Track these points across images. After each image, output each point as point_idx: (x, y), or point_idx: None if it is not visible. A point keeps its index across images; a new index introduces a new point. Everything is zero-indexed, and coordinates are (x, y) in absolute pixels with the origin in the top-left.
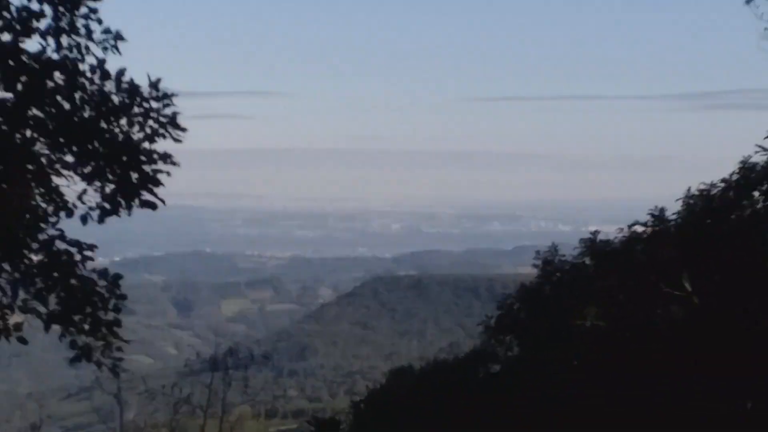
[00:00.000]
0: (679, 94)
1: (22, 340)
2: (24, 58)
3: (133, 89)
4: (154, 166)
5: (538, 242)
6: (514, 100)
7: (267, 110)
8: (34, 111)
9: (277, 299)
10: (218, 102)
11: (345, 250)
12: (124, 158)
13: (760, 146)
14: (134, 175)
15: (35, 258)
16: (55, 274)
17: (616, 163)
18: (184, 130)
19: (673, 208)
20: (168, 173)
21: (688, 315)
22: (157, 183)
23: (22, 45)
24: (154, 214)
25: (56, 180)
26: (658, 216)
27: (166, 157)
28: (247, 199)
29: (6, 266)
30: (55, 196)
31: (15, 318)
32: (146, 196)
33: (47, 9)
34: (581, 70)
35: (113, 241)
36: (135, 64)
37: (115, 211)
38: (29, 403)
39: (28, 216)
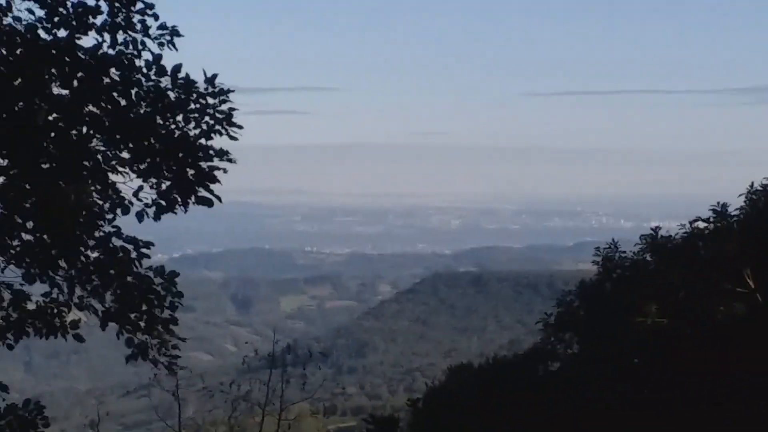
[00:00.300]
0: (745, 87)
1: (79, 338)
2: (80, 54)
3: (189, 85)
4: (210, 163)
5: (599, 238)
6: (575, 95)
7: (327, 106)
8: (91, 108)
9: (336, 296)
10: (278, 98)
11: (404, 246)
12: (180, 155)
13: None
14: (190, 172)
15: (92, 255)
16: (112, 272)
17: (679, 157)
18: (240, 127)
19: (736, 204)
20: (224, 170)
21: (750, 312)
22: (214, 180)
23: (78, 41)
24: (212, 211)
25: (112, 177)
26: (720, 212)
27: (222, 154)
28: (305, 196)
29: (63, 263)
30: (111, 192)
31: (72, 315)
32: (202, 192)
33: (103, 5)
34: (642, 65)
35: (172, 238)
36: (192, 60)
37: (171, 208)
38: (88, 399)
39: (84, 213)
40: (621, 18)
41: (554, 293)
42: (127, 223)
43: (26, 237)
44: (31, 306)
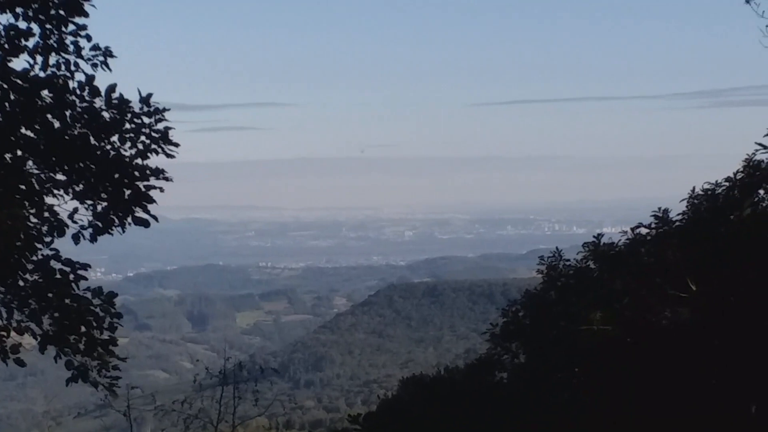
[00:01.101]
0: (688, 92)
1: (20, 362)
2: (12, 77)
3: (123, 105)
4: (146, 183)
5: (552, 245)
6: (523, 103)
7: (277, 121)
8: (24, 131)
9: (291, 310)
10: (228, 114)
11: (359, 258)
12: (116, 175)
13: (760, 144)
14: (126, 192)
15: (29, 278)
16: (50, 295)
17: (629, 163)
18: (176, 145)
19: (679, 209)
20: (161, 189)
21: (694, 316)
22: (150, 200)
23: (9, 64)
24: (166, 229)
25: (48, 200)
26: (662, 217)
27: (158, 173)
28: (259, 211)
29: (0, 288)
30: (49, 215)
31: (12, 340)
32: (139, 212)
33: (35, 27)
34: (588, 72)
35: (126, 257)
36: (146, 79)
37: (107, 229)
38: (45, 421)
39: (22, 236)
40: (566, 24)
41: (509, 302)
42: (75, 246)
43: None
44: None
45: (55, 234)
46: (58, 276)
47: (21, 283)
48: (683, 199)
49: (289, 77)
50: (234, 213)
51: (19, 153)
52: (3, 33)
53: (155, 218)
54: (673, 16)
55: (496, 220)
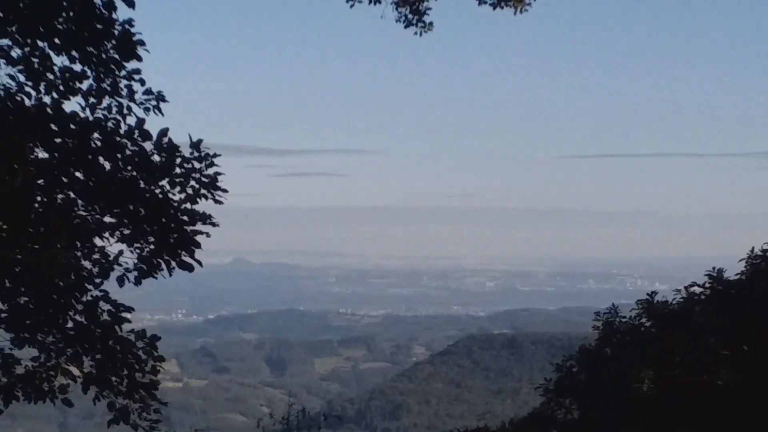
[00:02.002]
0: None
1: (68, 403)
2: (66, 119)
3: (172, 149)
4: (193, 227)
5: (634, 301)
6: (609, 157)
7: (361, 168)
8: (75, 172)
9: (370, 357)
10: (313, 159)
11: (439, 308)
12: (163, 219)
13: None
14: (173, 236)
15: (74, 319)
16: (94, 338)
17: (713, 220)
18: (225, 191)
19: (737, 268)
20: (207, 234)
21: (746, 379)
22: (196, 244)
23: (63, 106)
24: (247, 273)
25: (96, 241)
26: (716, 277)
27: (205, 218)
28: (340, 257)
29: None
30: (99, 257)
31: (60, 380)
32: (185, 256)
33: (89, 70)
34: (675, 128)
35: (207, 299)
36: (234, 123)
37: (152, 273)
38: None
39: (72, 277)
40: (654, 81)
41: (564, 357)
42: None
43: (16, 300)
44: (20, 370)
45: (105, 276)
46: (106, 318)
47: (68, 324)
48: (741, 260)
49: (375, 125)
50: (315, 258)
51: (70, 195)
52: (58, 75)
53: (200, 263)
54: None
55: (579, 274)
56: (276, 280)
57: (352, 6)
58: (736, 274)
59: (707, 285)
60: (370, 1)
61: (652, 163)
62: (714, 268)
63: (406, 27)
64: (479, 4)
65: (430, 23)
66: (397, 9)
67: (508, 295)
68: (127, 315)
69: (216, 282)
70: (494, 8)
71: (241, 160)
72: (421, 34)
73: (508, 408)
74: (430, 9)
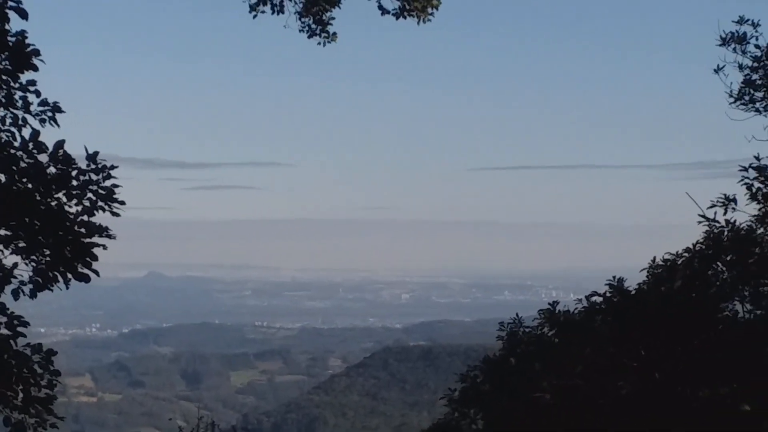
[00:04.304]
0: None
1: None
2: None
3: (68, 161)
4: (89, 240)
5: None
6: (523, 169)
7: (274, 181)
8: None
9: (286, 370)
10: (226, 172)
11: (355, 320)
12: (60, 232)
13: (702, 216)
14: (68, 249)
15: None
16: None
17: (627, 231)
18: (122, 203)
19: (639, 278)
20: (104, 246)
21: (645, 386)
22: (93, 256)
23: None
24: (162, 287)
25: None
26: (616, 286)
27: (101, 230)
28: (255, 270)
29: None
30: None
31: None
32: (81, 268)
33: None
34: (585, 140)
35: (122, 313)
36: (143, 135)
37: (47, 285)
38: None
39: None
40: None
41: (468, 367)
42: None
43: None
44: None
45: (0, 289)
46: (3, 331)
47: None
48: (643, 269)
49: (286, 137)
50: (231, 272)
51: None
52: None
53: (97, 273)
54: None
55: (494, 285)
56: (191, 294)
57: (255, 16)
58: (638, 284)
59: (608, 294)
60: (273, 11)
61: (562, 175)
62: (614, 277)
63: (309, 37)
64: (382, 13)
65: (334, 33)
66: (300, 19)
67: (424, 306)
68: (23, 329)
69: (130, 296)
70: (397, 18)
71: (153, 173)
72: (324, 44)
73: (425, 420)
74: (333, 19)
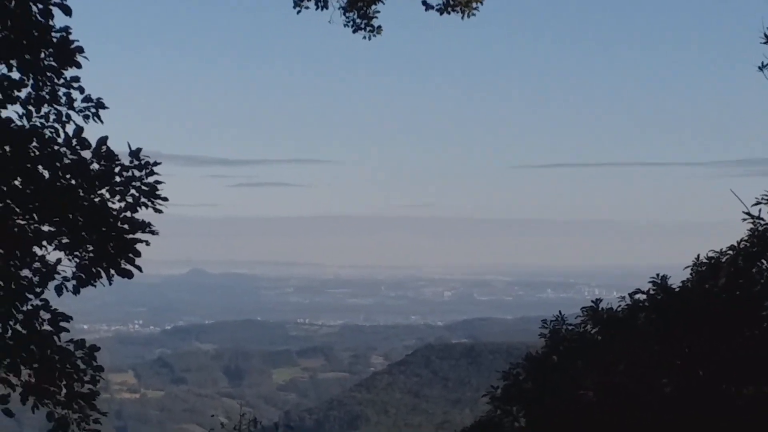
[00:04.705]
0: (737, 160)
1: (9, 413)
2: (3, 127)
3: (111, 158)
4: (132, 236)
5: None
6: (566, 167)
7: (319, 178)
8: (13, 181)
9: (328, 367)
10: (270, 169)
11: (397, 317)
12: (103, 228)
13: (747, 213)
14: (111, 245)
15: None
16: (32, 347)
17: (670, 229)
18: (165, 199)
19: (683, 276)
20: (147, 243)
21: (689, 384)
22: (136, 252)
23: (1, 115)
24: (205, 283)
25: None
26: (660, 284)
27: (144, 226)
28: (298, 267)
29: None
30: (40, 266)
31: (0, 390)
32: (124, 265)
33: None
34: (632, 136)
35: (165, 310)
36: (190, 133)
37: (91, 281)
38: None
39: (13, 286)
40: (607, 90)
41: (511, 365)
42: (60, 297)
43: None
44: None
45: (44, 285)
46: (47, 327)
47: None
48: (687, 267)
49: (331, 134)
50: (273, 269)
51: (9, 203)
52: None
53: (139, 269)
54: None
55: (537, 283)
56: (234, 291)
57: (299, 12)
58: (682, 281)
59: (651, 291)
60: (317, 7)
61: (609, 172)
62: (658, 275)
63: (354, 32)
64: (426, 9)
65: (379, 27)
66: (344, 14)
67: (466, 304)
68: (66, 325)
69: (173, 292)
70: (441, 13)
71: (196, 170)
72: (369, 38)
73: (467, 417)
74: (378, 12)
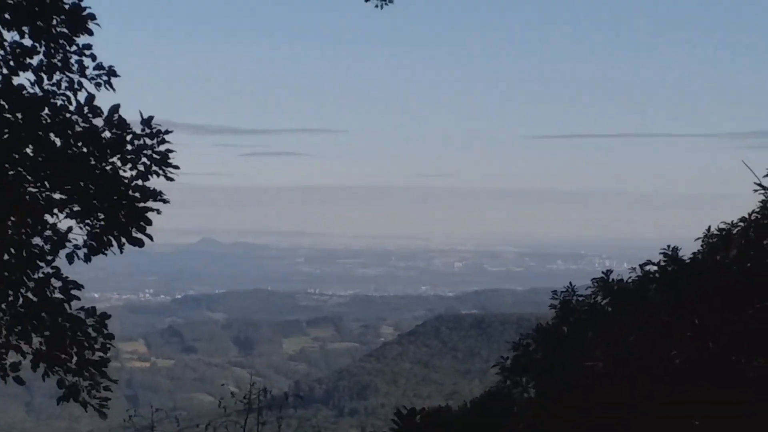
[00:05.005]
0: (747, 132)
1: (20, 381)
2: (16, 95)
3: (123, 126)
4: (144, 204)
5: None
6: (577, 137)
7: (330, 147)
8: (24, 148)
9: (338, 337)
10: (279, 138)
11: (407, 288)
12: (114, 196)
13: (759, 184)
14: (122, 213)
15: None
16: (43, 314)
17: (681, 201)
18: (176, 167)
19: (693, 247)
20: (158, 211)
21: (700, 356)
22: (147, 221)
23: (13, 82)
24: (215, 253)
25: (47, 218)
26: (671, 255)
27: (155, 195)
28: (308, 237)
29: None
30: (52, 233)
31: (12, 357)
32: (135, 233)
33: (39, 45)
34: (644, 108)
35: (175, 279)
36: (198, 101)
37: (102, 249)
38: None
39: (24, 254)
40: (623, 61)
41: (521, 335)
42: (71, 264)
43: None
44: None
45: (56, 253)
46: (58, 295)
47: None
48: (698, 238)
49: (341, 103)
50: (283, 238)
51: (19, 171)
52: (8, 50)
53: (150, 238)
54: (730, 54)
55: (547, 254)
56: (244, 260)
57: None
58: (693, 253)
59: (662, 263)
60: None
61: (619, 143)
62: (669, 246)
63: (366, 0)
64: None
65: None
66: None
67: (477, 275)
68: (77, 292)
69: (184, 261)
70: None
71: (206, 139)
72: (381, 7)
73: (476, 388)
74: None
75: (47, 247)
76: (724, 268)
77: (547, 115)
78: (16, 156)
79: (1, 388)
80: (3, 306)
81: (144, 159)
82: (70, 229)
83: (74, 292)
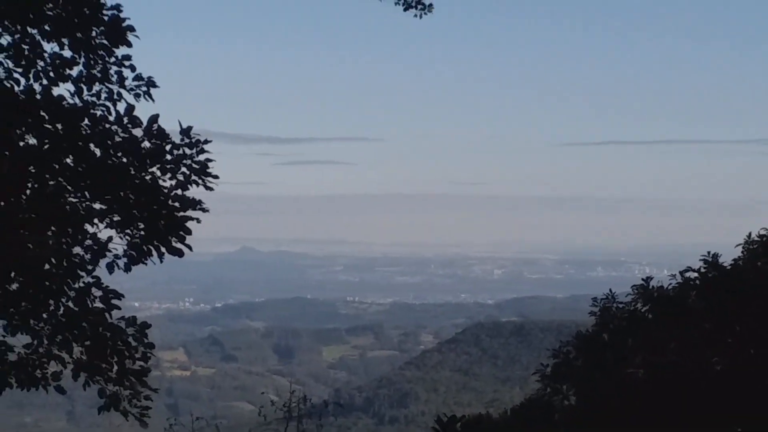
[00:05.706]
0: None
1: (61, 390)
2: (56, 106)
3: (162, 136)
4: (183, 214)
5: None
6: (616, 144)
7: (367, 156)
8: (64, 159)
9: (378, 345)
10: (317, 147)
11: (446, 296)
12: (154, 206)
13: None
14: (162, 223)
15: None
16: (84, 324)
17: (721, 207)
18: (215, 177)
19: (734, 254)
20: (198, 220)
21: (740, 362)
22: (187, 230)
23: (53, 93)
24: (255, 261)
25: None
26: (711, 262)
27: (195, 204)
28: (347, 246)
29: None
30: (92, 243)
31: (54, 367)
32: (175, 242)
33: (78, 56)
34: (683, 114)
35: (215, 288)
36: (236, 111)
37: (142, 259)
38: None
39: (65, 264)
40: (662, 67)
41: (561, 342)
42: (111, 274)
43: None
44: (12, 357)
45: (96, 263)
46: (98, 305)
47: (58, 311)
48: (738, 245)
49: (377, 112)
50: (322, 247)
51: (59, 181)
52: (48, 61)
53: (190, 248)
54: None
55: (586, 261)
56: (283, 269)
57: None
58: (734, 260)
59: (703, 269)
60: None
61: (658, 150)
62: (709, 253)
63: (405, 9)
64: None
65: (430, 5)
66: None
67: (516, 282)
68: (117, 302)
69: (223, 270)
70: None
71: (245, 148)
72: (421, 17)
73: (517, 396)
74: None
75: (88, 256)
76: (764, 274)
77: (585, 121)
78: (57, 166)
79: (42, 397)
80: (44, 315)
81: (183, 169)
82: (110, 238)
83: (114, 301)
